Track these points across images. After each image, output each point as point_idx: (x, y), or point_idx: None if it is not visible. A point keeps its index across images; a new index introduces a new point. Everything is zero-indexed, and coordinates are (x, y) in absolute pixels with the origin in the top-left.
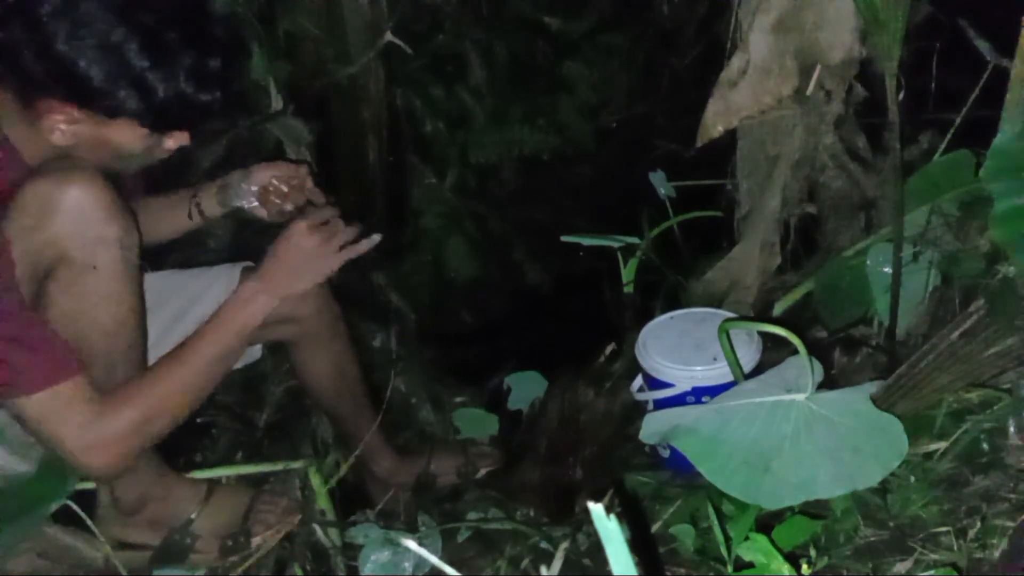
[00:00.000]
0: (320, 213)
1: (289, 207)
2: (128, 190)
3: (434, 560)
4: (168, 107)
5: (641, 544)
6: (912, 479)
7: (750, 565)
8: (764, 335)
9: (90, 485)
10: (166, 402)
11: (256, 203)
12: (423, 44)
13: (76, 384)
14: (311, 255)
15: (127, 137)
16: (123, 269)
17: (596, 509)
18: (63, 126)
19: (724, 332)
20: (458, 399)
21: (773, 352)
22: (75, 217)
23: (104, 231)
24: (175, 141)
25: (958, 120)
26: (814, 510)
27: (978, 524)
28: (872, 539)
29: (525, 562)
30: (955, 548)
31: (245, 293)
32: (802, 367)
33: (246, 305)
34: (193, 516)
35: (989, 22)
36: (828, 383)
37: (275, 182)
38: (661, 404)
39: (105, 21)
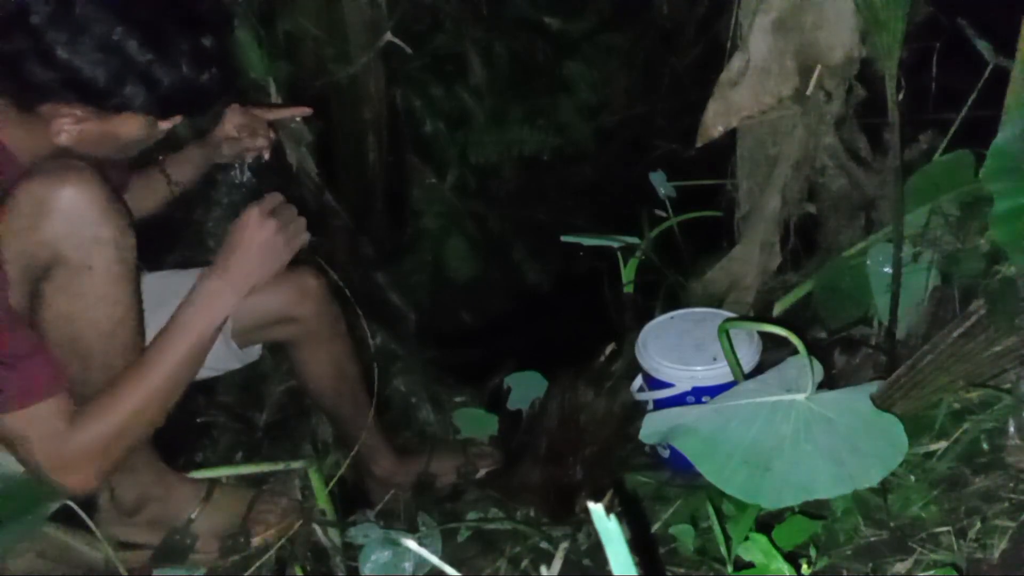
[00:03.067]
0: (269, 200)
1: (259, 142)
2: (116, 183)
3: (434, 560)
4: (172, 94)
5: (641, 544)
6: (912, 479)
7: (750, 565)
8: (764, 335)
9: None
10: (136, 413)
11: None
12: (423, 44)
13: (52, 404)
14: (269, 244)
15: (131, 128)
16: (119, 269)
17: (596, 509)
18: (69, 127)
19: (724, 332)
20: (458, 399)
21: (773, 352)
22: (70, 217)
23: (99, 231)
24: (169, 123)
25: (958, 120)
26: (814, 510)
27: (978, 524)
28: (872, 539)
29: (525, 562)
30: (955, 548)
31: (206, 292)
32: (802, 367)
33: (208, 304)
34: (193, 516)
35: (989, 22)
36: (828, 383)
37: (244, 121)
38: (661, 404)
39: (103, 21)
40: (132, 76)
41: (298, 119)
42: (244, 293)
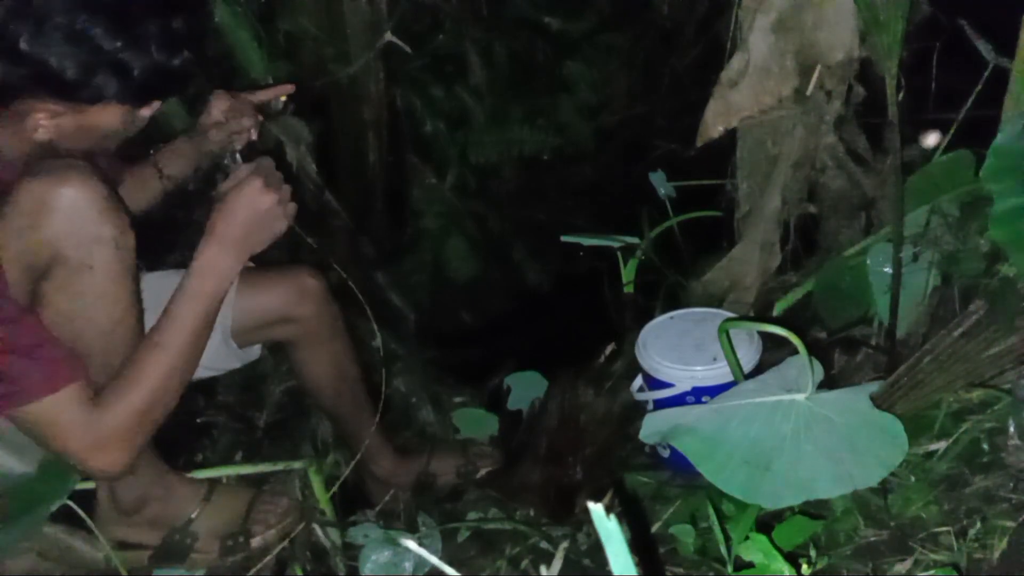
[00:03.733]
0: (263, 166)
1: (246, 123)
2: (111, 177)
3: (434, 560)
4: (145, 81)
5: (641, 544)
6: (912, 479)
7: (750, 565)
8: (764, 335)
9: (90, 485)
10: (156, 388)
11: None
12: (423, 44)
13: (74, 389)
14: (267, 212)
15: (109, 118)
16: (119, 269)
17: (596, 509)
18: (45, 122)
19: (724, 332)
20: (458, 399)
21: (773, 352)
22: (70, 217)
23: (99, 231)
24: (149, 109)
25: (958, 120)
26: (814, 510)
27: (978, 524)
28: (872, 539)
29: (525, 562)
30: (955, 548)
31: (210, 262)
32: (802, 367)
33: (214, 274)
34: (193, 516)
35: (989, 22)
36: (828, 383)
37: (230, 104)
38: (661, 404)
39: (65, 11)
40: (101, 65)
41: (283, 98)
42: (245, 260)
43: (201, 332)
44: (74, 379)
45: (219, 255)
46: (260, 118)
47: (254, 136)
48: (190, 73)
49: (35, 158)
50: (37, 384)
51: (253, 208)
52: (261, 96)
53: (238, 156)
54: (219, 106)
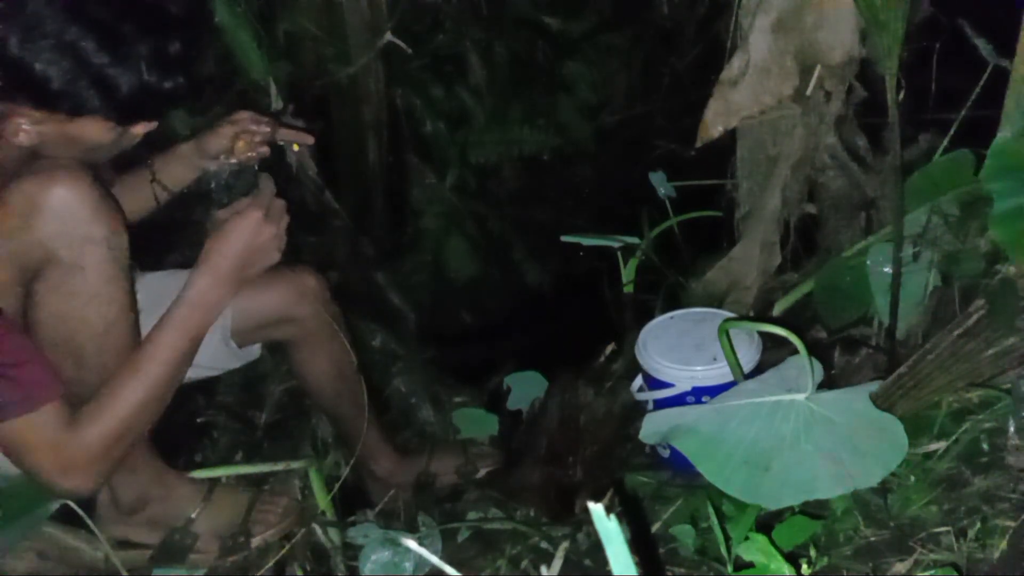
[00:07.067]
0: (264, 197)
1: (256, 151)
2: (104, 180)
3: (434, 560)
4: (131, 100)
5: (641, 544)
6: (912, 479)
7: (750, 565)
8: (764, 335)
9: None
10: (133, 414)
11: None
12: (423, 44)
13: (50, 410)
14: (262, 245)
15: (93, 132)
16: (112, 269)
17: (596, 509)
18: (27, 127)
19: (724, 332)
20: (458, 399)
21: (773, 352)
22: (61, 217)
23: (91, 231)
24: (143, 128)
25: (958, 120)
26: (814, 510)
27: (978, 524)
28: (872, 539)
29: (525, 562)
30: (955, 548)
31: (200, 291)
32: (802, 367)
33: (203, 304)
34: (193, 516)
35: (989, 22)
36: (828, 383)
37: (245, 129)
38: (661, 404)
39: (56, 20)
40: (86, 79)
41: (296, 147)
42: (235, 292)
43: (181, 363)
44: (50, 399)
45: (211, 287)
46: (268, 150)
47: (262, 150)
48: (181, 96)
49: (19, 163)
50: (13, 403)
51: (249, 244)
52: (282, 132)
53: (226, 175)
54: (240, 116)
